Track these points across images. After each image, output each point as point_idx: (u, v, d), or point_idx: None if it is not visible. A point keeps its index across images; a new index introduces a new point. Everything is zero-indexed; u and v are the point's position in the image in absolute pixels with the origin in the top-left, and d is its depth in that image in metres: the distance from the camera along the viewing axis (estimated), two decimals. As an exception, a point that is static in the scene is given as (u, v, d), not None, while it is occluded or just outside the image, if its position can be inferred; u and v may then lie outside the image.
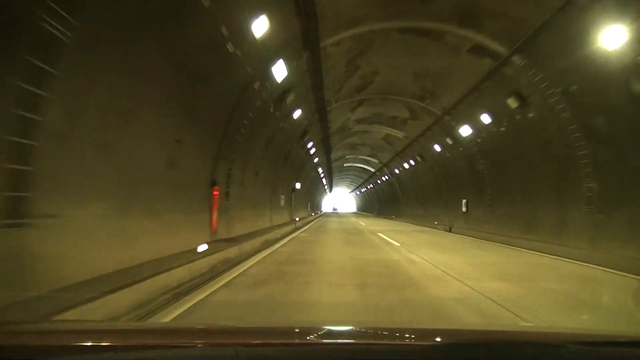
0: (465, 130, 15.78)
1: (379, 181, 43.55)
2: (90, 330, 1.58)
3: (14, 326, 1.61)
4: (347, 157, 35.97)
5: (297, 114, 13.79)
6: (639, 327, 3.87)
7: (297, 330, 1.71)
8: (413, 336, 1.58)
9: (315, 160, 26.47)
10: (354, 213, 70.14)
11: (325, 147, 24.45)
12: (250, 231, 11.58)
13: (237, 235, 9.94)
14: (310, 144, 20.25)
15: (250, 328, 1.87)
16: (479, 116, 13.99)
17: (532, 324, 3.85)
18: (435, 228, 21.47)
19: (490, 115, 13.54)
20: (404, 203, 34.76)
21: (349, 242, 12.13)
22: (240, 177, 11.28)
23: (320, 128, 18.81)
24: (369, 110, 18.88)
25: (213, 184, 8.77)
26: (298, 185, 23.41)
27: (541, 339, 1.55)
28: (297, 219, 22.43)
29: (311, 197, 41.07)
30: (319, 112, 15.97)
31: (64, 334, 1.46)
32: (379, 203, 52.91)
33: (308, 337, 1.50)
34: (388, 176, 37.24)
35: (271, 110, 11.47)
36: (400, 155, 27.44)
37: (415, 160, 25.41)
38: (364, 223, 26.98)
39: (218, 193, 8.94)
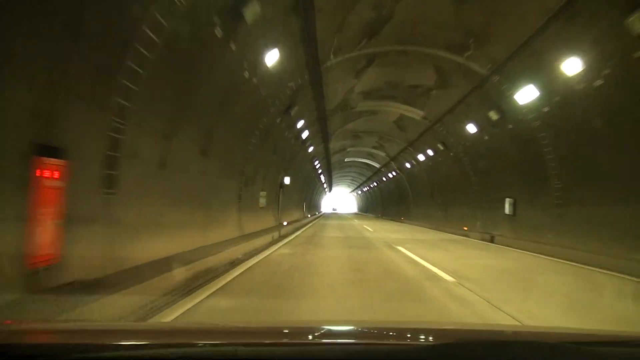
0: (525, 95, 10.68)
1: (384, 178, 38.49)
2: (90, 330, 1.59)
3: (14, 326, 1.61)
4: (348, 149, 30.88)
5: (271, 58, 8.67)
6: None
7: (297, 329, 1.71)
8: (413, 335, 1.60)
9: (310, 149, 21.39)
10: (355, 214, 65.22)
11: (322, 132, 19.36)
12: (187, 250, 6.50)
13: (130, 267, 4.83)
14: (301, 123, 15.17)
15: (250, 328, 1.88)
16: (559, 64, 8.90)
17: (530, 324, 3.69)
18: (466, 236, 16.36)
19: (583, 60, 8.44)
20: (415, 203, 29.67)
21: (358, 270, 6.73)
22: (160, 151, 6.19)
23: (314, 99, 13.74)
24: (382, 75, 13.79)
25: (41, 151, 3.69)
26: (287, 180, 18.33)
27: (540, 339, 1.55)
28: (285, 223, 17.35)
29: (307, 196, 35.95)
30: (310, 69, 10.91)
31: (64, 334, 1.46)
32: (383, 203, 47.83)
33: (308, 337, 1.51)
34: (396, 172, 32.18)
35: (218, 33, 6.37)
36: (415, 145, 22.35)
37: (434, 150, 20.31)
38: (371, 227, 21.91)
39: (59, 175, 3.86)
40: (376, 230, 19.38)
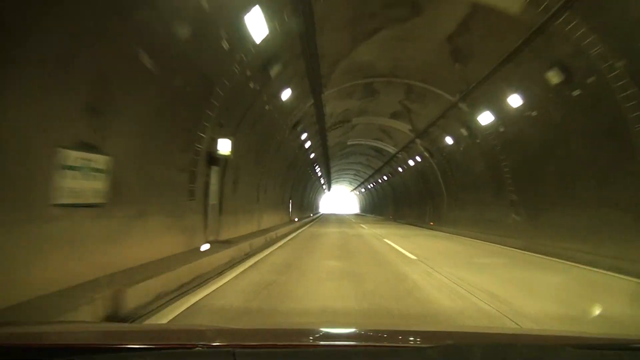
0: None
1: (399, 168, 28.47)
2: (89, 331, 1.62)
3: (14, 326, 1.62)
4: (353, 120, 20.65)
5: None
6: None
7: (295, 331, 1.73)
8: (411, 338, 1.58)
9: (285, 94, 11.30)
10: (357, 215, 55.41)
11: (305, 54, 9.32)
12: None
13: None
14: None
15: (248, 330, 1.87)
16: None
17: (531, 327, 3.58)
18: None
19: None
20: (455, 200, 19.53)
21: None
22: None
23: None
24: None
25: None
26: (226, 147, 8.24)
27: (540, 342, 1.54)
28: (204, 247, 7.26)
29: (297, 192, 25.82)
30: None
31: (64, 334, 1.47)
32: (395, 202, 37.78)
33: (306, 339, 1.50)
34: (422, 156, 22.18)
35: None
36: (477, 94, 12.28)
37: (528, 93, 10.34)
38: (406, 246, 11.31)
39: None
40: (427, 257, 8.94)
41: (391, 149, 26.23)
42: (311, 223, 24.86)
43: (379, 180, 40.71)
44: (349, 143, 27.36)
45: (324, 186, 51.20)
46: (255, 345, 1.31)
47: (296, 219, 22.58)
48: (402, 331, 1.83)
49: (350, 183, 64.56)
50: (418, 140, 20.76)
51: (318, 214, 50.80)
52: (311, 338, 1.53)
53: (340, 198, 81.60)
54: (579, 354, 1.23)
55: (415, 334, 1.71)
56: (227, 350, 1.17)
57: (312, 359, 1.21)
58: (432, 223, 21.87)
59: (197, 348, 1.21)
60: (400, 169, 28.63)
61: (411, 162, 24.90)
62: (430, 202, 24.48)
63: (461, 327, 3.29)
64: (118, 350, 1.22)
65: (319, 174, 34.80)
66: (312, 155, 23.09)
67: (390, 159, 28.55)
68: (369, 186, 51.14)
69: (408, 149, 23.33)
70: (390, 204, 40.85)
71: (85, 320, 2.98)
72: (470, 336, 1.71)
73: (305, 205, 36.27)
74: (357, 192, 69.11)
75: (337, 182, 63.92)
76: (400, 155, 26.00)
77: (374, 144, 27.16)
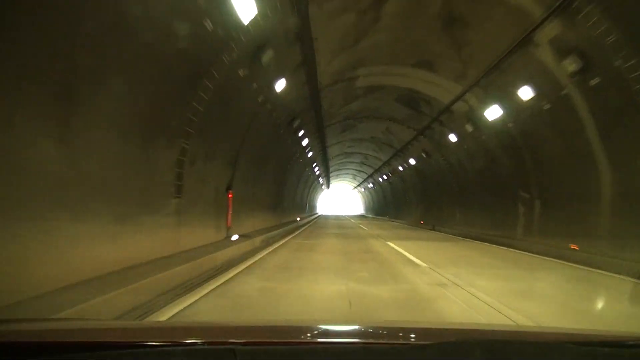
0: None
1: (451, 136, 15.68)
2: (90, 329, 1.59)
3: (14, 325, 1.61)
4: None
5: None
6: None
7: (296, 328, 1.70)
8: (412, 335, 1.58)
9: None
10: (364, 218, 44.67)
11: None
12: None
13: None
14: None
15: (249, 326, 1.86)
16: None
17: (530, 324, 3.73)
18: None
19: None
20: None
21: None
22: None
23: None
24: None
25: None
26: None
27: (540, 339, 1.53)
28: None
29: (259, 178, 12.90)
30: None
31: (64, 333, 1.45)
32: (424, 200, 25.01)
33: (307, 336, 1.51)
34: (538, 86, 9.40)
35: None
36: None
37: None
38: None
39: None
40: None
41: (447, 91, 13.32)
42: (288, 239, 12.07)
43: (400, 168, 27.79)
44: (358, 85, 14.44)
45: (322, 180, 39.01)
46: (256, 342, 1.30)
47: (261, 227, 9.68)
48: (402, 328, 1.83)
49: (355, 178, 52.11)
50: (540, 37, 7.98)
51: (315, 215, 40.67)
52: (311, 334, 1.53)
53: (341, 197, 71.18)
54: (578, 351, 1.20)
55: (416, 331, 1.71)
56: (228, 348, 1.15)
57: (312, 356, 1.17)
58: (572, 246, 9.05)
59: (198, 345, 1.21)
60: (452, 137, 15.80)
61: (490, 114, 12.11)
62: (531, 199, 11.67)
63: (461, 324, 3.30)
64: (118, 347, 1.19)
65: (312, 158, 22.12)
66: (289, 100, 10.27)
67: (436, 118, 15.65)
68: (379, 179, 38.22)
69: (497, 75, 10.50)
70: (414, 202, 28.01)
71: (84, 318, 2.96)
72: (471, 333, 1.72)
73: (292, 205, 23.60)
74: (362, 189, 56.49)
75: (337, 177, 52.32)
76: (463, 105, 13.17)
77: (411, 85, 14.14)
